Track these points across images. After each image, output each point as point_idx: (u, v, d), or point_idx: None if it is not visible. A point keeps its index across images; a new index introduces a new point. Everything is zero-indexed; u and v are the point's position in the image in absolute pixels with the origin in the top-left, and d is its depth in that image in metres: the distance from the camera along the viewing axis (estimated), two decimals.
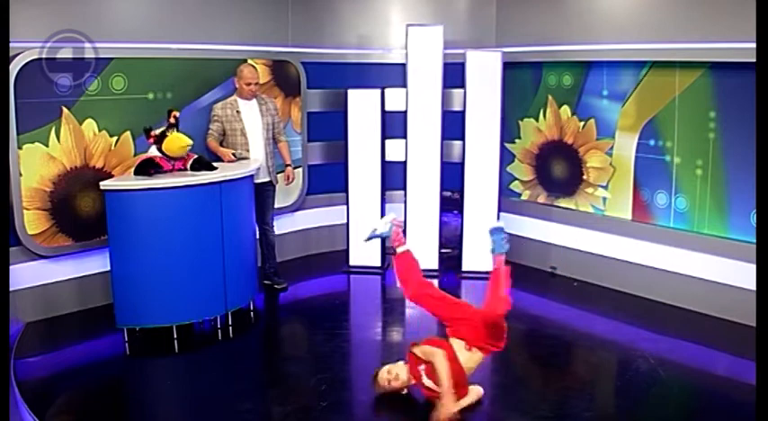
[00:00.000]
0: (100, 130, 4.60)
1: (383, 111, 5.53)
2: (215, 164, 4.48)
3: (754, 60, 2.79)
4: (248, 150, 4.92)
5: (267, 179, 5.06)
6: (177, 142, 4.24)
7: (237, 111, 4.92)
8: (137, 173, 4.18)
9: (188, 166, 4.33)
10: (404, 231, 3.73)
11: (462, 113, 5.49)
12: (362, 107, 5.50)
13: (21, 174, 4.27)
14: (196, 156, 4.39)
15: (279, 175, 5.22)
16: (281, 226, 5.60)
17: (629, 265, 5.06)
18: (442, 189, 5.57)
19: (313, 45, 5.83)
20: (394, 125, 5.64)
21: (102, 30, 4.51)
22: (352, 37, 6.05)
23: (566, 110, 5.45)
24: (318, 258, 6.06)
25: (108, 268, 4.16)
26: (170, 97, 4.88)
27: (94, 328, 4.40)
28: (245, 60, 5.11)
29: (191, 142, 4.29)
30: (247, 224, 4.66)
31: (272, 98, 5.28)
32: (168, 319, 4.20)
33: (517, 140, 5.85)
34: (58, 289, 4.58)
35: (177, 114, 4.34)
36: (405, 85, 5.49)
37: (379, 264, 5.66)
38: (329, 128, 5.87)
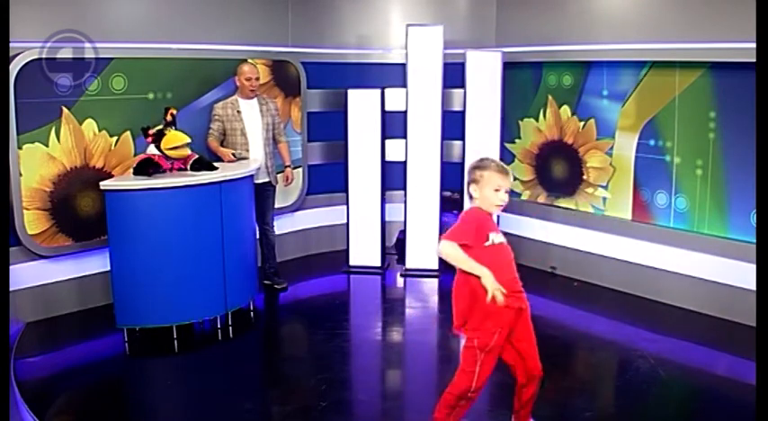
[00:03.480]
0: (100, 130, 4.60)
1: (383, 111, 5.53)
2: (215, 164, 4.48)
3: (754, 60, 2.79)
4: (248, 150, 4.92)
5: (267, 179, 5.05)
6: (174, 140, 4.24)
7: (238, 111, 4.92)
8: (136, 172, 4.18)
9: (188, 166, 4.33)
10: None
11: (462, 113, 5.50)
12: (362, 107, 5.50)
13: (21, 174, 4.27)
14: (196, 157, 4.39)
15: (279, 176, 5.23)
16: (281, 226, 5.60)
17: (629, 265, 5.06)
18: (442, 189, 5.57)
19: (313, 45, 5.83)
20: (394, 125, 5.63)
21: (102, 30, 4.51)
22: (352, 37, 6.05)
23: (566, 110, 5.45)
24: (318, 258, 6.06)
25: (108, 268, 4.16)
26: (170, 97, 4.88)
27: (94, 328, 4.40)
28: (245, 60, 5.11)
29: (188, 139, 4.29)
30: (247, 224, 4.66)
31: (272, 98, 5.28)
32: (168, 319, 4.20)
33: (517, 140, 5.85)
34: (58, 289, 4.58)
35: (174, 111, 4.35)
36: (405, 85, 5.49)
37: (379, 264, 5.66)
38: (329, 128, 5.87)
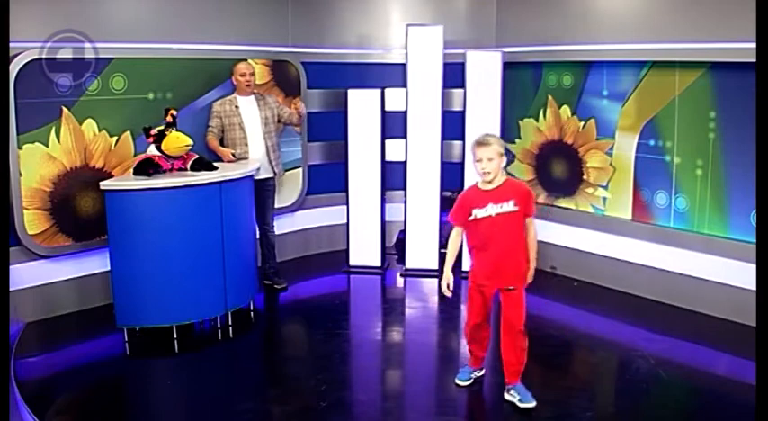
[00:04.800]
0: (100, 130, 4.60)
1: (383, 111, 5.53)
2: (215, 164, 4.48)
3: (754, 60, 2.79)
4: (247, 144, 4.93)
5: (268, 175, 5.07)
6: (176, 142, 4.24)
7: (236, 107, 4.93)
8: (136, 172, 4.18)
9: (188, 166, 4.33)
10: None
11: (462, 113, 5.49)
12: (362, 107, 5.50)
13: (21, 174, 4.27)
14: (196, 157, 4.39)
15: (285, 175, 5.24)
16: (281, 226, 5.60)
17: (629, 265, 5.06)
18: (442, 189, 5.57)
19: (313, 45, 5.83)
20: (394, 125, 5.64)
21: (102, 30, 4.51)
22: (352, 37, 6.05)
23: (566, 110, 5.45)
24: (318, 258, 6.06)
25: (108, 268, 4.16)
26: (170, 97, 4.88)
27: (94, 328, 4.40)
28: (245, 60, 5.11)
29: (190, 142, 4.29)
30: (247, 224, 4.66)
31: (271, 94, 5.28)
32: (168, 319, 4.20)
33: (517, 140, 5.85)
34: (57, 289, 4.58)
35: (174, 112, 4.35)
36: (405, 85, 5.49)
37: (379, 263, 5.67)
38: (329, 128, 5.87)
